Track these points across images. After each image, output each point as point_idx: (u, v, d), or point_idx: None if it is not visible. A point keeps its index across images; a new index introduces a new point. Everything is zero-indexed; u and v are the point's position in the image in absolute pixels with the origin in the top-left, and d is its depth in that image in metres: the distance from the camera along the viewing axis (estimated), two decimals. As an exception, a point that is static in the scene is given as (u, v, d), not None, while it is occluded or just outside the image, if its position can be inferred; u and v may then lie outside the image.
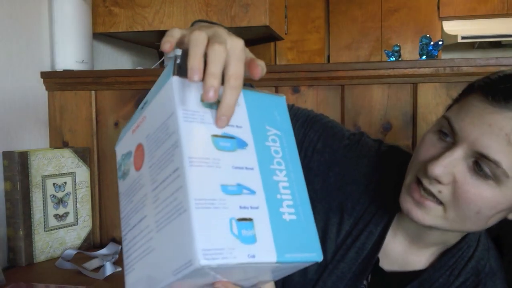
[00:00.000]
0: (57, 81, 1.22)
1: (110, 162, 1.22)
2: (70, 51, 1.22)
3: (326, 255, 0.65)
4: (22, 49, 1.15)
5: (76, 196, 1.17)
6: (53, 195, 1.11)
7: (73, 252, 1.12)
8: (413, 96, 1.06)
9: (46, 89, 1.24)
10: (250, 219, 0.37)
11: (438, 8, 2.87)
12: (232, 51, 0.39)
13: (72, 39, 1.22)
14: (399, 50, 1.33)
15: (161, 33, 1.37)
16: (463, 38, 2.85)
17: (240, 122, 0.41)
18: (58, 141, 1.24)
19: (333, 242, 0.65)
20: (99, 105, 1.22)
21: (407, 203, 0.56)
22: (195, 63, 0.37)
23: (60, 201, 1.13)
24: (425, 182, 0.54)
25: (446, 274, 0.61)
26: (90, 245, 1.19)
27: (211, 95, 0.36)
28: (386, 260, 0.65)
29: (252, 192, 0.38)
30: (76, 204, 1.17)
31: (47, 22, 1.23)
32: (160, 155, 0.39)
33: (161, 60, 1.46)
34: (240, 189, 0.38)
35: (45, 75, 1.22)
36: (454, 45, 2.97)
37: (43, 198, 1.09)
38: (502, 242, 0.66)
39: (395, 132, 1.07)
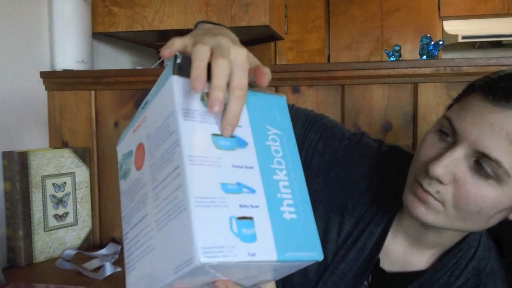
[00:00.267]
0: (56, 81, 1.22)
1: (110, 162, 1.22)
2: (70, 51, 1.22)
3: (326, 255, 0.65)
4: (21, 49, 1.15)
5: (75, 196, 1.17)
6: (53, 195, 1.11)
7: (73, 252, 1.12)
8: (413, 96, 1.06)
9: (46, 89, 1.24)
10: (250, 218, 0.37)
11: (439, 7, 2.87)
12: (236, 62, 0.39)
13: (71, 39, 1.22)
14: (400, 50, 1.33)
15: (161, 33, 1.37)
16: (463, 38, 2.85)
17: (241, 122, 0.41)
18: (58, 141, 1.24)
19: (333, 243, 0.65)
20: (98, 105, 1.22)
21: (411, 201, 0.56)
22: (197, 73, 0.37)
23: (59, 201, 1.13)
24: (425, 184, 0.54)
25: (447, 274, 0.61)
26: (89, 245, 1.19)
27: (216, 109, 0.37)
28: (386, 261, 0.65)
29: (252, 191, 0.38)
30: (76, 204, 1.17)
31: (46, 22, 1.23)
32: (160, 154, 0.40)
33: (160, 60, 1.46)
34: (240, 187, 0.38)
35: (44, 75, 1.21)
36: (454, 45, 2.97)
37: (42, 198, 1.09)
38: (503, 242, 0.66)
39: (395, 132, 1.07)
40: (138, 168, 0.43)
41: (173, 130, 0.38)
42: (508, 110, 0.49)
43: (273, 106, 0.44)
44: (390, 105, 1.07)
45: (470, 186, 0.51)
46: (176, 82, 0.39)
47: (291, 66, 1.45)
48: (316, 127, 0.70)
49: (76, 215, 1.17)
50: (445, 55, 3.09)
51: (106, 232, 1.24)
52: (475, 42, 3.00)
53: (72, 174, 1.16)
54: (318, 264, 0.65)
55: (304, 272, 0.66)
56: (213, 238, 0.34)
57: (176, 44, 0.42)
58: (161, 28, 1.31)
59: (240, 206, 0.37)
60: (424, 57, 1.22)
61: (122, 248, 1.12)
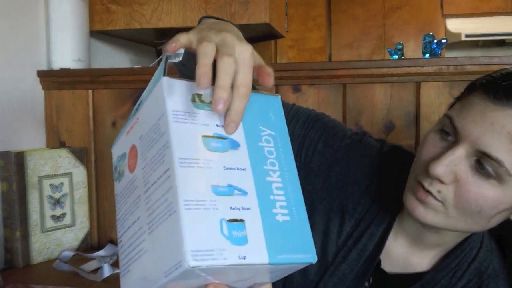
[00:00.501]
0: (54, 80, 1.22)
1: (108, 162, 1.22)
2: (67, 50, 1.21)
3: (327, 256, 0.65)
4: (18, 47, 1.15)
5: (73, 197, 1.16)
6: (50, 196, 1.11)
7: (71, 253, 1.12)
8: (416, 95, 1.06)
9: (43, 88, 1.23)
10: (242, 220, 0.37)
11: (442, 6, 2.86)
12: (241, 60, 0.40)
13: (69, 37, 1.21)
14: (402, 48, 1.32)
15: (159, 31, 1.36)
16: (466, 36, 2.83)
17: None
18: (55, 141, 1.24)
19: (334, 243, 0.65)
20: (96, 104, 1.21)
21: (410, 201, 0.56)
22: (203, 70, 0.38)
23: (57, 202, 1.12)
24: (426, 184, 0.54)
25: (448, 275, 0.61)
26: (87, 246, 1.19)
27: (221, 108, 0.38)
28: (388, 262, 0.64)
29: (244, 193, 0.38)
30: (73, 205, 1.16)
31: (43, 20, 1.22)
32: (152, 156, 0.40)
33: (159, 59, 1.45)
34: (231, 190, 0.38)
35: (41, 74, 1.21)
36: (457, 43, 2.96)
37: (39, 198, 1.08)
38: (505, 243, 0.66)
39: (398, 131, 1.07)
40: (131, 170, 0.43)
41: (164, 131, 0.38)
42: (509, 109, 0.49)
43: (267, 106, 0.44)
44: (393, 104, 1.06)
45: (471, 186, 0.51)
46: (166, 84, 0.39)
47: (292, 64, 1.44)
48: (316, 126, 0.69)
49: (74, 216, 1.16)
50: (448, 54, 3.07)
51: (104, 233, 1.23)
52: (478, 41, 2.99)
53: (70, 175, 1.15)
54: (318, 265, 0.65)
55: (304, 273, 0.65)
56: (203, 241, 0.34)
57: (182, 40, 0.42)
58: (160, 26, 1.30)
59: (231, 208, 0.37)
60: (427, 55, 1.21)
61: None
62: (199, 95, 0.40)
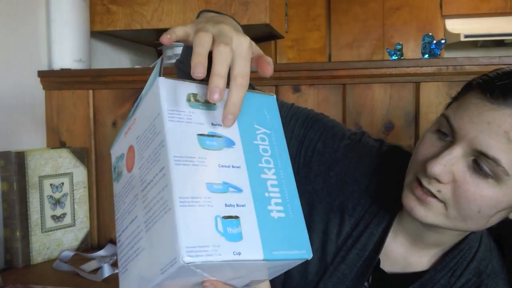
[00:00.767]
0: (54, 80, 1.22)
1: (108, 162, 1.22)
2: (68, 50, 1.21)
3: (326, 256, 0.65)
4: (19, 48, 1.15)
5: (73, 196, 1.16)
6: (50, 196, 1.11)
7: (71, 253, 1.12)
8: (415, 96, 1.06)
9: (43, 88, 1.23)
10: (236, 217, 0.37)
11: (441, 6, 2.86)
12: (238, 50, 0.39)
13: (69, 37, 1.21)
14: (401, 48, 1.32)
15: (160, 32, 1.36)
16: (466, 36, 2.83)
17: None
18: (56, 141, 1.24)
19: (333, 243, 0.65)
20: (96, 105, 1.21)
21: (409, 200, 0.56)
22: (198, 59, 0.37)
23: (57, 202, 1.12)
24: (425, 182, 0.54)
25: (447, 275, 0.61)
26: (87, 246, 1.19)
27: (216, 96, 0.37)
28: (387, 262, 0.64)
29: (239, 190, 0.38)
30: (74, 205, 1.16)
31: (44, 21, 1.22)
32: (148, 155, 0.40)
33: (160, 58, 1.45)
34: (226, 187, 0.38)
35: (42, 74, 1.21)
36: (457, 44, 2.96)
37: (40, 198, 1.08)
38: (504, 242, 0.66)
39: (397, 131, 1.07)
40: (129, 170, 0.44)
41: (159, 131, 0.38)
42: (505, 108, 0.49)
43: (262, 105, 0.44)
44: (392, 104, 1.06)
45: (469, 185, 0.51)
46: (162, 84, 0.39)
47: (292, 65, 1.44)
48: (316, 126, 0.69)
49: (74, 216, 1.16)
50: (447, 54, 3.07)
51: (104, 233, 1.23)
52: (478, 41, 2.99)
53: (70, 175, 1.15)
54: (318, 265, 0.65)
55: (304, 273, 0.65)
56: (198, 237, 0.34)
57: (178, 32, 0.42)
58: (160, 27, 1.30)
59: (226, 205, 0.37)
60: (426, 56, 1.22)
61: (120, 249, 1.12)
62: (194, 95, 0.41)
